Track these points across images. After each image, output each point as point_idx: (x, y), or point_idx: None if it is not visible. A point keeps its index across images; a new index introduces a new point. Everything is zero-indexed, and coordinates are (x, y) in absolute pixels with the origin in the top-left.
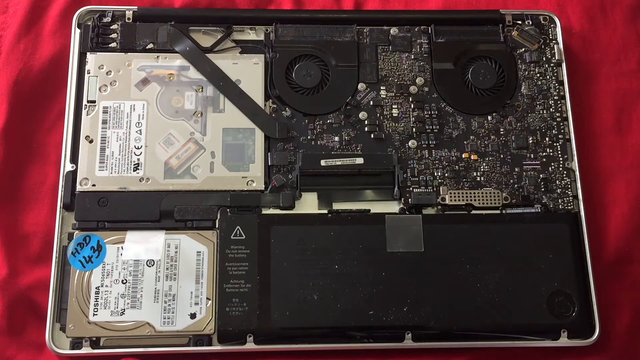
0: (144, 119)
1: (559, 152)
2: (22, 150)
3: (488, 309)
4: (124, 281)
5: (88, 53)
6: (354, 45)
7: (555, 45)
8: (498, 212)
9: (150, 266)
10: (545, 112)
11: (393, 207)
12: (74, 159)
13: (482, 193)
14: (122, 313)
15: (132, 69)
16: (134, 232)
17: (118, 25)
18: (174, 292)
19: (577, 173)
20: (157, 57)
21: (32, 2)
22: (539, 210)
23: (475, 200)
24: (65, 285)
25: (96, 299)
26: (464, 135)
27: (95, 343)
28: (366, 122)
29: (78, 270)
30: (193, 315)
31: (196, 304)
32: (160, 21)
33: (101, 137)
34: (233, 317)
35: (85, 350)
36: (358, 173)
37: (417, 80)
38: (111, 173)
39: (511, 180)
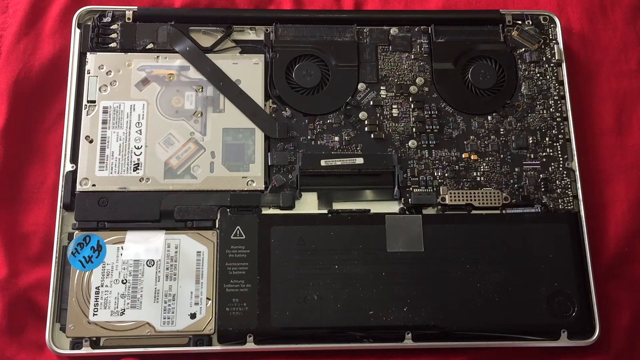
0: (144, 119)
1: (559, 152)
2: (22, 150)
3: (488, 309)
4: (124, 281)
5: (88, 53)
6: (354, 45)
7: (555, 45)
8: (498, 212)
9: (150, 266)
10: (545, 112)
11: (393, 207)
12: (74, 159)
13: (482, 193)
14: (122, 313)
15: (132, 69)
16: (134, 232)
17: (118, 25)
18: (174, 292)
19: (577, 173)
20: (157, 57)
21: (32, 2)
22: (539, 210)
23: (475, 200)
24: (65, 285)
25: (96, 299)
26: (464, 135)
27: (95, 343)
28: (366, 122)
29: (78, 270)
30: (193, 315)
31: (196, 304)
32: (160, 21)
33: (101, 137)
34: (233, 317)
35: (85, 350)
36: (358, 173)
37: (417, 80)
38: (111, 173)
39: (511, 180)
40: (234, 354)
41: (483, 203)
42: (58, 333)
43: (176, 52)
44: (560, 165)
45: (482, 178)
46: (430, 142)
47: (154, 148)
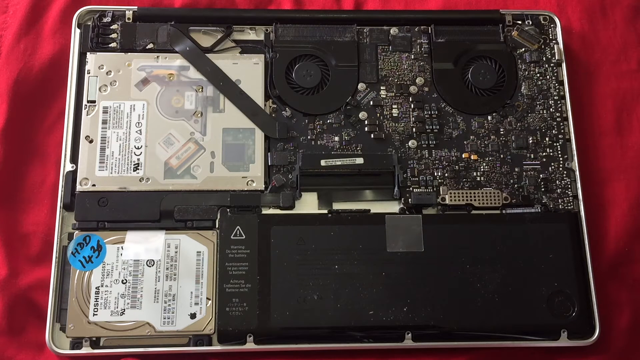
0: (144, 119)
1: (559, 152)
2: (22, 150)
3: (488, 309)
4: (124, 281)
5: (88, 53)
6: (354, 45)
7: (555, 45)
8: (498, 212)
9: (150, 266)
10: (545, 112)
11: (393, 207)
12: (74, 159)
13: (482, 193)
14: (122, 313)
15: (132, 69)
16: (134, 232)
17: (118, 25)
18: (174, 292)
19: (577, 173)
20: (157, 57)
21: (32, 2)
22: (539, 210)
23: (475, 200)
24: (65, 285)
25: (96, 299)
26: (464, 135)
27: (95, 343)
28: (366, 122)
29: (78, 270)
30: (193, 315)
31: (196, 304)
32: (160, 21)
33: (101, 137)
34: (233, 317)
35: (85, 350)
36: (358, 173)
37: (417, 80)
38: (111, 173)
39: (511, 180)
40: (234, 354)
41: (483, 203)
42: (58, 333)
43: (176, 52)
44: (560, 165)
45: (482, 178)
46: (430, 142)
47: (154, 148)
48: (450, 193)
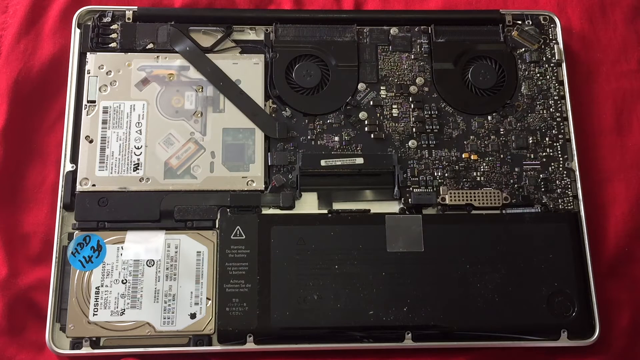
0: (144, 119)
1: (559, 152)
2: (22, 150)
3: (488, 309)
4: (124, 281)
5: (88, 53)
6: (354, 45)
7: (555, 45)
8: (498, 212)
9: (150, 266)
10: (545, 112)
11: (393, 207)
12: (74, 159)
13: (482, 193)
14: (122, 313)
15: (132, 69)
16: (134, 232)
17: (118, 25)
18: (174, 292)
19: (577, 173)
20: (157, 57)
21: (32, 2)
22: (539, 210)
23: (475, 200)
24: (65, 285)
25: (96, 299)
26: (464, 135)
27: (95, 343)
28: (366, 122)
29: (78, 270)
30: (193, 315)
31: (196, 304)
32: (160, 21)
33: (101, 137)
34: (233, 317)
35: (85, 350)
36: (358, 173)
37: (417, 80)
38: (111, 173)
39: (511, 180)
40: (234, 354)
41: (483, 203)
42: (58, 333)
43: (176, 52)
44: (560, 165)
45: (482, 178)
46: (430, 142)
47: (154, 148)
48: (450, 193)
